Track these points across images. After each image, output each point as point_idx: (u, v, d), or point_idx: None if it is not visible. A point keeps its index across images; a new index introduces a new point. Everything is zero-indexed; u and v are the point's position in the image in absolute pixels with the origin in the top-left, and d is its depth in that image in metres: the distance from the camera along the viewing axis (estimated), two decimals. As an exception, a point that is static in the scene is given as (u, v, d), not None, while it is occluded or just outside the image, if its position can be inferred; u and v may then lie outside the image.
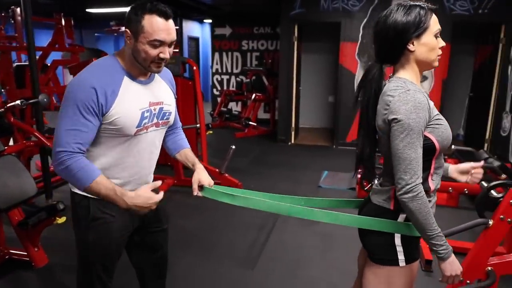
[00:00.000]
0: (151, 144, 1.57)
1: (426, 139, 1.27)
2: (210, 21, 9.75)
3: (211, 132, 7.47)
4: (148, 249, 1.74)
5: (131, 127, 1.44)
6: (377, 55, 1.36)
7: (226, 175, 4.29)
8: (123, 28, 5.97)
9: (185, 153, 1.75)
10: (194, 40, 11.14)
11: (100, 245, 1.55)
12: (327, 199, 1.68)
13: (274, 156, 6.11)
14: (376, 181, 1.49)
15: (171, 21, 1.41)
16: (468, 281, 1.93)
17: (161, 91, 1.57)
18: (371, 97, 1.34)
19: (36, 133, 3.28)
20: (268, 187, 4.17)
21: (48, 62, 4.66)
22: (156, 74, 1.56)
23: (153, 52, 1.38)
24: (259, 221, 3.60)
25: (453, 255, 1.29)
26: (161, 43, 1.38)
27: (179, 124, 1.82)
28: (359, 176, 4.22)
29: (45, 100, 3.12)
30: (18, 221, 2.68)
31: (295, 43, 6.55)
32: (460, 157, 4.33)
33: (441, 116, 1.32)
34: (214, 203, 4.46)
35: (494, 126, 5.91)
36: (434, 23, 1.27)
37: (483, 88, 6.19)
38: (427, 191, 1.32)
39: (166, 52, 1.41)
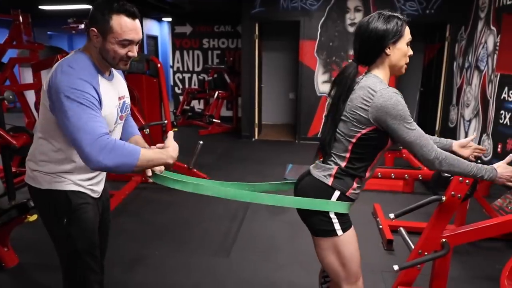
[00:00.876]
0: (117, 137, 1.64)
1: (385, 133, 1.47)
2: (169, 19, 9.68)
3: (176, 129, 7.45)
4: (101, 233, 1.77)
5: (111, 125, 1.51)
6: (357, 55, 1.55)
7: (195, 170, 4.35)
8: (82, 26, 5.83)
9: (135, 140, 1.75)
10: (153, 39, 11.01)
11: (85, 235, 1.58)
12: (268, 183, 1.87)
13: (240, 152, 6.23)
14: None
15: (137, 21, 1.45)
16: (426, 253, 2.14)
17: (121, 85, 1.64)
18: (344, 92, 1.52)
19: (0, 132, 3.19)
20: (236, 180, 4.27)
21: (4, 60, 4.49)
22: (113, 70, 1.61)
23: (122, 51, 1.43)
24: (230, 213, 3.71)
25: (498, 168, 1.55)
26: (130, 42, 1.43)
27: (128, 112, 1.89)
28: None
29: (10, 97, 3.05)
30: (-14, 221, 2.62)
31: (256, 41, 6.70)
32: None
33: None
34: (183, 198, 4.54)
35: (443, 118, 6.38)
36: (407, 33, 1.50)
37: (432, 83, 6.65)
38: (362, 177, 1.56)
39: (134, 51, 1.46)
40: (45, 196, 1.54)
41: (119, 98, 1.58)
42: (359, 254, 1.64)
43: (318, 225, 1.57)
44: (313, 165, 1.66)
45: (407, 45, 1.50)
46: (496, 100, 4.61)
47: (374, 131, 1.47)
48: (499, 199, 3.38)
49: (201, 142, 4.23)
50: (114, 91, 1.55)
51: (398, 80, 6.43)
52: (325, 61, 6.50)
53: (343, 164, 1.53)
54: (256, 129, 7.08)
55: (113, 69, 1.61)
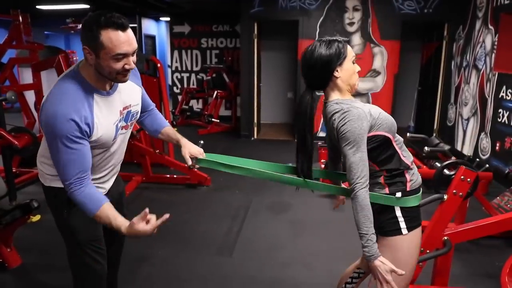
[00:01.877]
0: (122, 144, 1.68)
1: (378, 136, 1.51)
2: (167, 19, 9.67)
3: (175, 129, 7.46)
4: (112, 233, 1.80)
5: (109, 141, 1.56)
6: (308, 83, 1.58)
7: (195, 169, 4.36)
8: (80, 26, 5.89)
9: (167, 132, 1.84)
10: (151, 39, 10.99)
11: (85, 228, 1.64)
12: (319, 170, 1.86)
13: (239, 151, 6.23)
14: None
15: (129, 31, 1.38)
16: (428, 251, 2.17)
17: (127, 94, 1.59)
18: (307, 121, 1.55)
19: (1, 132, 3.19)
20: (237, 179, 4.30)
21: (4, 60, 4.48)
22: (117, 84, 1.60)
23: (118, 65, 1.37)
24: (231, 212, 3.72)
25: (381, 258, 1.42)
26: (124, 55, 1.36)
27: (153, 104, 1.89)
28: (323, 166, 4.46)
29: (13, 97, 3.05)
30: (-11, 222, 2.62)
31: (255, 40, 6.71)
32: (412, 145, 4.69)
33: (379, 110, 1.55)
34: (185, 198, 4.56)
35: (441, 117, 6.42)
36: (349, 52, 1.55)
37: (430, 82, 6.69)
38: (407, 167, 1.56)
39: (131, 63, 1.40)
40: (49, 191, 1.63)
41: (122, 110, 1.57)
42: (415, 261, 1.59)
43: (383, 224, 1.56)
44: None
45: (353, 62, 1.55)
46: (494, 99, 4.65)
47: (370, 140, 1.49)
48: (497, 197, 3.41)
49: (202, 141, 4.20)
50: (116, 105, 1.54)
51: (395, 79, 6.46)
52: (323, 60, 6.51)
53: (382, 173, 1.56)
54: (255, 129, 7.10)
55: None
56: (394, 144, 1.56)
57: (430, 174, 3.83)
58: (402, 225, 1.54)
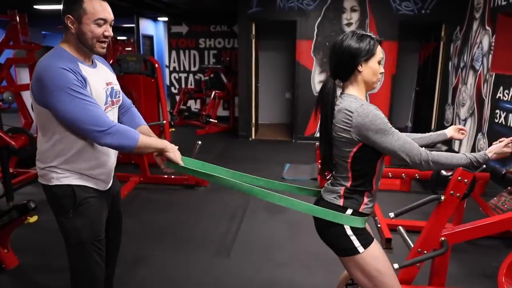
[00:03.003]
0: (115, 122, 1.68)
1: (374, 151, 1.51)
2: (164, 19, 9.66)
3: (173, 129, 7.47)
4: (111, 230, 1.87)
5: (101, 105, 1.57)
6: (332, 71, 1.59)
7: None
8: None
9: (142, 130, 1.82)
10: (149, 39, 10.98)
11: (90, 227, 1.66)
12: (285, 184, 1.86)
13: (237, 151, 6.24)
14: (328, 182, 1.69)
15: (107, 4, 1.56)
16: (425, 251, 2.17)
17: (107, 73, 1.71)
18: (329, 108, 1.54)
19: (-1, 133, 3.18)
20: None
21: (1, 60, 4.47)
22: (96, 61, 1.69)
23: (99, 30, 1.52)
24: (229, 213, 3.72)
25: (488, 152, 1.59)
26: (104, 21, 1.53)
27: (130, 102, 1.94)
28: (320, 166, 4.47)
29: (10, 98, 3.04)
30: (-14, 222, 2.61)
31: (253, 41, 6.71)
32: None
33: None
34: (182, 198, 4.55)
35: (439, 117, 6.43)
36: (379, 52, 1.55)
37: (428, 83, 6.70)
38: (370, 190, 1.58)
39: (110, 31, 1.56)
40: (53, 191, 1.62)
41: (107, 84, 1.65)
42: (390, 268, 1.61)
43: (338, 245, 1.59)
44: (323, 189, 1.68)
45: (379, 63, 1.56)
46: (491, 100, 4.66)
47: (364, 147, 1.50)
48: (494, 198, 3.42)
49: (200, 142, 4.24)
50: (99, 76, 1.62)
51: (393, 79, 6.47)
52: (321, 61, 6.53)
53: (348, 183, 1.57)
54: (253, 129, 7.10)
55: (96, 60, 1.69)
56: (378, 162, 1.56)
57: (427, 175, 3.84)
58: (356, 243, 1.54)
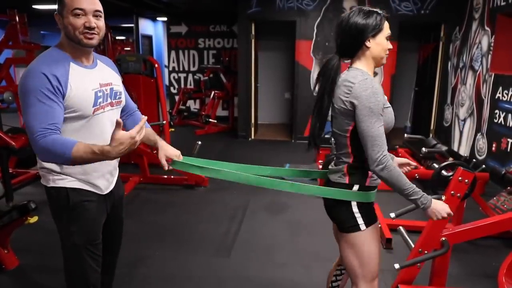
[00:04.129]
0: (111, 124, 1.63)
1: None
2: (163, 19, 9.65)
3: (173, 129, 7.46)
4: (111, 235, 1.83)
5: (88, 107, 1.51)
6: (338, 48, 1.60)
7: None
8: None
9: (147, 132, 1.78)
10: (148, 38, 10.97)
11: (84, 231, 1.62)
12: (291, 169, 1.95)
13: (237, 152, 6.24)
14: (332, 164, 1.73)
15: None
16: (426, 251, 2.18)
17: (107, 74, 1.66)
18: (329, 83, 1.56)
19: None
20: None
21: (0, 60, 4.46)
22: (98, 61, 1.65)
23: (78, 22, 1.45)
24: (229, 213, 3.72)
25: (434, 201, 1.55)
26: (83, 11, 1.44)
27: (135, 106, 1.91)
28: (320, 166, 4.47)
29: (10, 98, 3.03)
30: (-14, 223, 2.60)
31: (253, 41, 6.71)
32: (410, 146, 4.71)
33: (388, 103, 1.58)
34: (182, 198, 4.55)
35: (438, 117, 6.44)
36: (386, 28, 1.56)
37: (427, 83, 6.71)
38: None
39: (91, 21, 1.46)
40: (50, 193, 1.59)
41: (103, 85, 1.59)
42: (378, 253, 1.68)
43: (343, 221, 1.62)
44: (328, 171, 1.70)
45: (387, 39, 1.56)
46: (491, 100, 4.67)
47: None
48: (494, 198, 3.43)
49: (200, 142, 4.24)
50: (95, 77, 1.57)
51: (392, 79, 6.48)
52: (321, 61, 6.53)
53: (350, 160, 1.59)
54: (253, 129, 7.10)
55: (99, 60, 1.65)
56: None
57: (427, 175, 3.85)
58: (360, 220, 1.59)
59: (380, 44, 1.53)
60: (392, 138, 4.67)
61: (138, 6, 7.31)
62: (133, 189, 4.25)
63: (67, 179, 1.57)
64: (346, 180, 1.59)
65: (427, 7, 6.12)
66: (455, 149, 5.58)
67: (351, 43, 1.54)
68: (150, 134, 1.80)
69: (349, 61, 1.62)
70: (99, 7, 1.50)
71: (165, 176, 4.55)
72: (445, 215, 1.57)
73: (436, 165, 2.54)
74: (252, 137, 7.09)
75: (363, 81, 1.47)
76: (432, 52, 6.56)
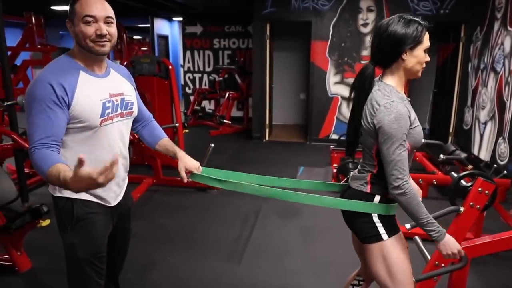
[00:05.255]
0: (120, 135, 1.62)
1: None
2: (179, 19, 9.68)
3: (186, 130, 7.47)
4: (115, 247, 1.79)
5: (95, 118, 1.47)
6: (373, 56, 1.53)
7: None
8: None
9: (164, 143, 1.79)
10: (164, 38, 11.02)
11: (87, 245, 1.58)
12: (312, 181, 1.88)
13: (250, 153, 6.20)
14: (353, 171, 1.70)
15: (103, 1, 1.46)
16: (442, 264, 2.09)
17: (119, 83, 1.62)
18: (363, 94, 1.51)
19: (13, 135, 3.21)
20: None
21: (18, 62, 4.52)
22: (112, 70, 1.61)
23: (89, 29, 1.41)
24: (241, 217, 3.68)
25: (447, 236, 1.50)
26: (94, 18, 1.41)
27: (150, 115, 1.88)
28: (334, 170, 4.39)
29: (23, 101, 3.05)
30: (0, 225, 2.63)
31: (267, 41, 6.66)
32: (427, 150, 4.58)
33: (417, 123, 1.52)
34: (194, 201, 4.53)
35: (457, 120, 6.27)
36: (426, 40, 1.47)
37: (446, 84, 6.54)
38: None
39: (102, 29, 1.43)
40: (56, 203, 1.57)
41: (113, 95, 1.55)
42: (408, 265, 1.60)
43: (364, 232, 1.57)
44: (350, 177, 1.67)
45: (425, 52, 1.48)
46: (513, 103, 4.51)
47: None
48: (515, 206, 3.30)
49: (213, 145, 4.19)
50: (106, 87, 1.54)
51: (410, 80, 6.34)
52: (337, 62, 6.43)
53: (374, 170, 1.55)
54: (267, 130, 7.05)
55: (112, 69, 1.61)
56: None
57: (445, 180, 3.74)
58: (381, 230, 1.54)
59: (417, 57, 1.45)
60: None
61: (152, 7, 7.34)
62: (146, 191, 4.26)
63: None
64: (367, 189, 1.55)
65: (446, 6, 5.96)
66: (475, 153, 5.42)
67: (386, 53, 1.47)
68: (169, 145, 1.78)
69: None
70: (111, 13, 1.47)
71: (178, 178, 4.52)
72: (456, 252, 1.52)
73: (454, 174, 2.44)
74: (267, 138, 7.04)
75: (388, 104, 1.42)
76: (452, 52, 6.39)
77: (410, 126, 1.45)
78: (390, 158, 1.42)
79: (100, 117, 1.49)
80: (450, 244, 1.50)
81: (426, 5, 6.01)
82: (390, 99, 1.43)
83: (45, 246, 3.09)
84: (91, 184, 1.17)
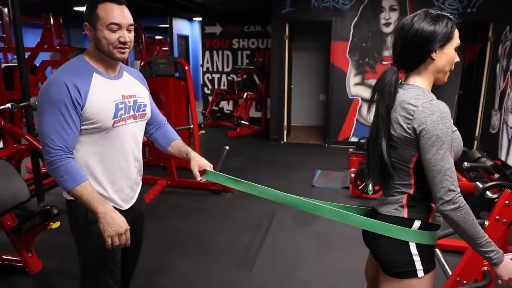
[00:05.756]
0: (132, 137, 1.61)
1: None
2: (199, 19, 9.68)
3: (203, 131, 7.45)
4: (126, 252, 1.72)
5: (107, 119, 1.47)
6: (397, 59, 1.34)
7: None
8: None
9: (177, 144, 1.77)
10: (184, 38, 11.06)
11: (101, 248, 1.52)
12: (326, 203, 1.66)
13: (267, 155, 6.11)
14: (379, 192, 1.48)
15: (124, 7, 1.48)
16: (464, 281, 1.95)
17: (132, 85, 1.62)
18: (386, 103, 1.30)
19: (27, 136, 3.22)
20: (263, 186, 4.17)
21: (37, 62, 4.57)
22: (125, 72, 1.62)
23: (113, 36, 1.44)
24: (254, 222, 3.60)
25: (506, 257, 1.29)
26: (118, 26, 1.44)
27: (164, 118, 1.87)
28: (352, 175, 4.25)
29: (36, 103, 3.06)
30: (11, 226, 2.63)
31: (286, 41, 6.55)
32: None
33: (455, 128, 1.33)
34: (208, 204, 4.46)
35: (484, 123, 6.00)
36: (456, 36, 1.31)
37: (472, 86, 6.28)
38: None
39: (125, 36, 1.46)
40: (69, 206, 1.56)
41: (126, 96, 1.56)
42: None
43: (396, 264, 1.32)
44: (377, 203, 1.44)
45: (455, 50, 1.31)
46: (545, 107, 4.26)
47: None
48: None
49: (227, 147, 4.14)
50: (119, 89, 1.54)
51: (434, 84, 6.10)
52: (357, 62, 6.27)
53: (411, 191, 1.33)
54: (285, 132, 6.94)
55: (125, 72, 1.62)
56: None
57: (469, 188, 3.54)
58: (418, 265, 1.30)
59: (448, 55, 1.29)
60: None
61: (171, 7, 7.34)
62: (160, 192, 4.22)
63: None
64: (404, 213, 1.31)
65: (474, 5, 5.71)
66: (503, 158, 5.16)
67: (413, 54, 1.29)
68: (181, 145, 1.76)
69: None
70: (132, 20, 1.51)
71: (193, 180, 4.48)
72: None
73: (479, 184, 2.29)
74: (284, 140, 6.93)
75: (428, 103, 1.23)
76: (479, 53, 6.12)
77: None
78: (438, 166, 1.20)
79: (112, 118, 1.49)
80: (510, 267, 1.28)
81: (452, 3, 5.78)
82: (428, 98, 1.25)
83: (56, 248, 3.08)
84: (112, 236, 1.42)
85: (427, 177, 1.25)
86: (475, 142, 6.06)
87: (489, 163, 3.01)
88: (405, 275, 1.31)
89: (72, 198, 1.50)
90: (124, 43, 1.46)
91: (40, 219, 2.66)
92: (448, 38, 1.28)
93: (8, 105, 3.11)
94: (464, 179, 3.91)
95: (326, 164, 5.40)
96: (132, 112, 1.57)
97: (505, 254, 1.32)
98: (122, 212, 1.58)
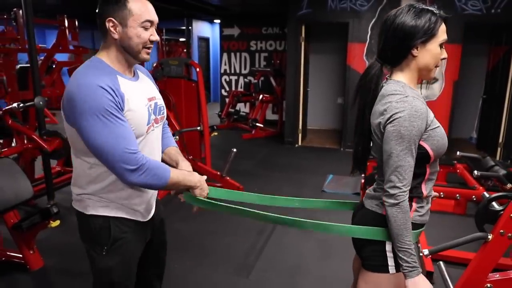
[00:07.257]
0: (157, 142, 1.53)
1: (420, 147, 1.25)
2: (218, 21, 9.71)
3: (216, 133, 7.44)
4: (151, 262, 1.69)
5: (143, 125, 1.39)
6: (379, 53, 1.33)
7: (228, 178, 4.23)
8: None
9: (169, 151, 1.64)
10: (204, 41, 11.13)
11: (124, 267, 1.48)
12: (322, 200, 1.69)
13: (280, 159, 6.03)
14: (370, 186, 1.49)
15: (151, 4, 1.39)
16: (466, 297, 1.84)
17: (150, 87, 1.51)
18: (369, 97, 1.33)
19: (33, 136, 3.28)
20: (272, 190, 4.08)
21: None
22: (138, 72, 1.50)
23: (145, 34, 1.34)
24: (258, 226, 3.53)
25: (420, 276, 1.22)
26: (151, 23, 1.35)
27: (165, 121, 1.77)
28: (363, 181, 4.12)
29: (40, 103, 3.10)
30: (13, 223, 2.67)
31: (302, 43, 6.46)
32: (468, 162, 4.19)
33: (438, 124, 1.28)
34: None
35: (508, 129, 5.72)
36: (441, 32, 1.25)
37: (497, 90, 6.01)
38: (420, 196, 1.32)
39: (155, 34, 1.38)
40: (88, 221, 1.43)
41: (149, 99, 1.44)
42: None
43: (369, 256, 1.36)
44: (365, 195, 1.46)
45: (441, 46, 1.26)
46: None
47: None
48: None
49: (235, 150, 4.09)
50: (141, 91, 1.42)
51: (455, 86, 5.88)
52: (375, 65, 6.11)
53: None
54: (300, 135, 6.84)
55: (138, 71, 1.50)
56: (427, 168, 1.30)
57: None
58: (390, 262, 1.31)
59: (431, 52, 1.25)
60: (454, 151, 4.18)
61: (189, 9, 7.38)
62: (167, 194, 4.22)
63: (110, 206, 1.41)
64: (383, 211, 1.31)
65: (498, 5, 5.46)
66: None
67: (394, 49, 1.27)
68: (173, 154, 1.63)
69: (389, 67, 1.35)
70: (157, 18, 1.42)
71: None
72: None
73: (486, 194, 2.16)
74: (299, 143, 6.84)
75: (401, 100, 1.21)
76: (504, 56, 5.85)
77: (429, 127, 1.23)
78: (392, 160, 1.21)
79: (146, 125, 1.40)
80: (421, 285, 1.21)
81: (475, 4, 5.55)
82: (404, 94, 1.22)
83: (59, 246, 3.12)
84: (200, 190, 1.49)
85: (383, 167, 1.25)
86: (498, 149, 5.79)
87: (502, 171, 2.84)
88: (375, 269, 1.34)
89: (94, 213, 1.41)
90: (153, 41, 1.37)
91: (39, 218, 2.69)
92: (431, 34, 1.23)
93: (15, 104, 3.17)
94: (481, 187, 3.72)
95: (340, 169, 5.28)
96: (154, 116, 1.46)
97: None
98: (143, 224, 1.52)
